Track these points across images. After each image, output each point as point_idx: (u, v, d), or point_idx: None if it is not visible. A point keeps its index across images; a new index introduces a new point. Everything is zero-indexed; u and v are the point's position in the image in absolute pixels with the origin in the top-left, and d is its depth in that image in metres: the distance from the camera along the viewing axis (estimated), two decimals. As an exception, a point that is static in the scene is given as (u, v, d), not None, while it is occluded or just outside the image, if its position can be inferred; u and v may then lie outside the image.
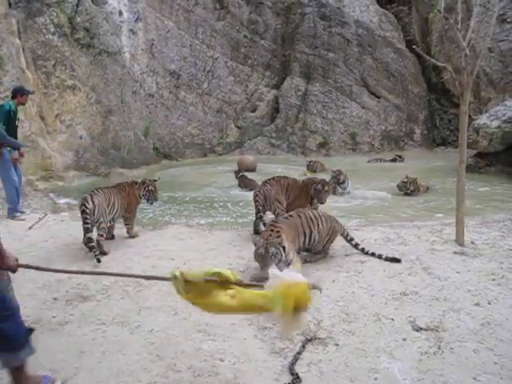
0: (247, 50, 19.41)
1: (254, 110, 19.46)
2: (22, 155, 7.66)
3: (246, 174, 12.39)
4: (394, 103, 19.22)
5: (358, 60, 19.15)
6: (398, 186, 10.10)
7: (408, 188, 9.93)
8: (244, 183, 11.46)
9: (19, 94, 7.56)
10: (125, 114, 15.50)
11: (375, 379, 2.95)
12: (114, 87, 15.23)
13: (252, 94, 19.50)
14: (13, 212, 7.28)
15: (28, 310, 3.81)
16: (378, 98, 19.19)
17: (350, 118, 18.88)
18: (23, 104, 7.82)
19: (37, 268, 2.89)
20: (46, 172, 11.55)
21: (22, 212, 7.49)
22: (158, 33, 17.32)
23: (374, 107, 19.07)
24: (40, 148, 11.82)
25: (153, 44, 17.19)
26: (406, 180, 9.99)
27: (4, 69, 11.64)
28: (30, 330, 2.79)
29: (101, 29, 14.97)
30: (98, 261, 5.01)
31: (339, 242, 5.35)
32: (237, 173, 12.57)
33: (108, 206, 5.67)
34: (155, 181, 6.36)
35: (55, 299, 4.17)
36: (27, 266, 2.76)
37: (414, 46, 7.48)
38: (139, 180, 6.40)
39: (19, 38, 12.68)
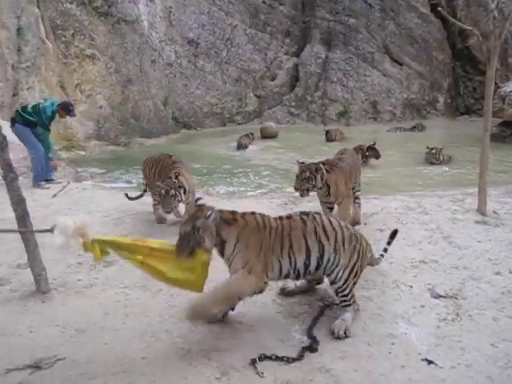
0: (266, 16, 19.00)
1: (273, 79, 19.20)
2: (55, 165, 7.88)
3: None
4: (416, 70, 18.70)
5: (380, 26, 18.60)
6: (426, 156, 9.89)
7: (438, 159, 9.73)
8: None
9: (66, 109, 7.59)
10: (144, 83, 15.49)
11: (392, 344, 2.99)
12: (133, 56, 15.17)
13: (271, 62, 19.20)
14: (37, 180, 7.43)
15: (54, 274, 3.94)
16: (401, 65, 18.69)
17: (372, 86, 18.49)
18: (61, 117, 7.82)
19: None
20: (68, 142, 11.72)
21: (50, 180, 7.64)
22: (175, 0, 17.05)
23: (396, 75, 18.60)
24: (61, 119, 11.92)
25: (170, 11, 16.97)
26: (434, 151, 9.77)
27: (24, 38, 11.68)
28: None
29: (118, -4, 14.81)
30: None
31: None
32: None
33: None
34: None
35: (80, 263, 4.29)
36: None
37: (439, 9, 7.23)
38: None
39: (38, 8, 12.65)
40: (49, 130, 7.47)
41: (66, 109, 7.61)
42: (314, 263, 3.13)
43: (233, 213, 3.16)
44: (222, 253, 3.10)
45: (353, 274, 3.17)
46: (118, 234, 4.87)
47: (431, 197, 6.27)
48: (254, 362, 2.78)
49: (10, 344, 3.03)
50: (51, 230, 3.04)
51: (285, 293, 3.62)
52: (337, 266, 3.13)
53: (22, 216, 3.59)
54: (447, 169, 9.49)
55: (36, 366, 2.78)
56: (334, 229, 3.17)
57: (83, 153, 12.16)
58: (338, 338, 3.02)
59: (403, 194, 6.63)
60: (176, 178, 4.99)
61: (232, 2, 18.46)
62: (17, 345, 3.02)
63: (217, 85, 18.31)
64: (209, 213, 2.99)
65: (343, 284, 3.15)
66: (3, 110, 9.91)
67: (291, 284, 3.66)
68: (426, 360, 2.82)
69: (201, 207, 3.09)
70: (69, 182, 7.72)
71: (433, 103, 18.85)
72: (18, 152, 8.19)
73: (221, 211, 3.11)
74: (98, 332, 3.15)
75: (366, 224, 5.22)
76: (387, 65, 18.64)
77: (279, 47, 19.34)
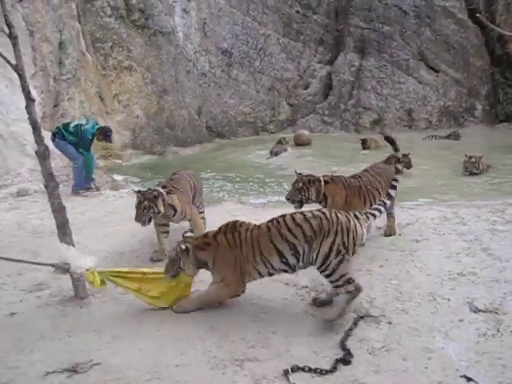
0: (299, 25, 19.04)
1: (306, 87, 19.18)
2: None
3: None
4: (453, 77, 18.26)
5: (415, 32, 18.28)
6: (464, 164, 9.58)
7: (478, 168, 9.41)
8: None
9: (104, 135, 7.90)
10: (179, 93, 15.77)
11: (429, 359, 2.91)
12: (169, 67, 15.50)
13: (304, 71, 19.19)
14: (77, 188, 7.65)
15: (92, 280, 4.04)
16: (437, 72, 18.29)
17: (407, 93, 18.16)
18: (98, 140, 8.04)
19: None
20: (105, 151, 12.03)
21: (89, 188, 7.85)
22: (210, 11, 17.34)
23: (432, 82, 18.22)
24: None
25: (205, 23, 17.26)
26: (473, 159, 9.45)
27: (66, 52, 12.14)
28: None
29: (155, 9, 15.20)
30: None
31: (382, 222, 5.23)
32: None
33: None
34: None
35: (116, 271, 4.38)
36: None
37: (477, 15, 7.06)
38: None
39: (79, 22, 13.13)
40: (88, 151, 7.75)
41: (105, 134, 7.92)
42: (292, 259, 3.40)
43: (206, 236, 3.65)
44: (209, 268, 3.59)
45: (333, 253, 3.31)
46: (154, 240, 4.95)
47: (469, 207, 6.09)
48: (286, 372, 2.76)
49: (49, 347, 3.13)
50: (53, 265, 3.60)
51: (317, 303, 3.64)
52: (313, 251, 3.35)
53: (62, 223, 3.70)
54: (486, 178, 9.20)
55: (73, 370, 2.86)
56: (298, 224, 3.38)
57: (120, 161, 12.47)
58: (329, 322, 3.29)
59: (440, 203, 6.48)
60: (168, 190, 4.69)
61: (265, 13, 18.61)
62: (55, 348, 3.11)
63: (250, 94, 18.44)
64: (183, 246, 3.54)
65: (322, 265, 3.35)
66: (45, 121, 10.28)
67: (323, 294, 3.71)
68: (465, 377, 2.72)
69: (179, 242, 3.60)
70: (105, 189, 7.92)
71: (470, 110, 18.33)
72: (58, 161, 8.50)
73: (196, 239, 3.66)
74: (133, 338, 3.21)
75: (400, 234, 5.12)
76: (423, 72, 18.29)
77: (312, 56, 19.31)
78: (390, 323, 3.31)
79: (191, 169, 5.75)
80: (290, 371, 2.77)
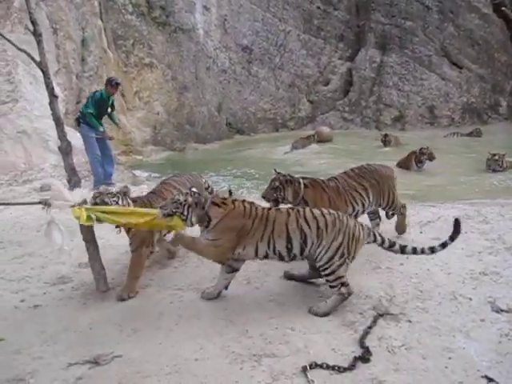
0: (320, 21, 18.91)
1: (326, 84, 19.06)
2: (109, 138, 8.42)
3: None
4: (477, 73, 17.90)
5: (438, 28, 17.98)
6: (488, 162, 9.43)
7: (501, 165, 9.26)
8: None
9: (109, 84, 8.15)
10: (199, 90, 15.85)
11: (449, 358, 2.87)
12: (189, 64, 15.58)
13: (325, 67, 19.07)
14: (97, 183, 7.78)
15: (113, 274, 4.12)
16: (460, 68, 17.96)
17: (429, 90, 17.89)
18: (112, 94, 8.25)
19: None
20: (127, 147, 12.19)
21: (110, 183, 7.96)
22: (230, 8, 17.35)
23: (455, 78, 17.90)
24: (121, 124, 12.44)
25: (225, 19, 17.28)
26: (497, 157, 9.30)
27: (88, 49, 12.31)
28: None
29: (176, 6, 15.29)
30: None
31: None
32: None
33: None
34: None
35: (137, 265, 4.44)
36: None
37: (503, 9, 6.89)
38: None
39: (101, 20, 13.29)
40: (94, 109, 7.87)
41: (109, 82, 8.17)
42: (297, 248, 3.47)
43: (225, 199, 3.67)
44: (206, 227, 3.55)
45: (338, 255, 3.42)
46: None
47: (492, 205, 5.98)
48: (304, 369, 2.76)
49: (71, 339, 3.19)
50: (41, 203, 3.62)
51: (286, 275, 4.00)
52: (319, 247, 3.44)
53: (84, 218, 3.75)
54: (510, 175, 9.00)
55: (95, 362, 2.91)
56: (315, 217, 3.50)
57: (140, 157, 12.61)
58: (314, 313, 3.40)
59: (462, 201, 6.37)
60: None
61: (286, 9, 18.53)
62: (77, 340, 3.17)
63: (270, 90, 18.42)
64: (203, 199, 3.55)
65: (325, 263, 3.43)
66: (68, 117, 10.46)
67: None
68: (487, 377, 2.68)
69: (192, 190, 3.65)
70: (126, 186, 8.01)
71: (494, 107, 17.95)
72: (80, 156, 8.64)
73: (215, 196, 3.81)
74: (152, 332, 3.25)
75: (421, 232, 5.06)
76: (446, 68, 17.98)
77: (333, 52, 19.17)
78: (410, 322, 3.28)
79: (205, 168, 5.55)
80: (308, 368, 2.77)
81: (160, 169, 11.26)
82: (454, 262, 4.21)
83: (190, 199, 3.52)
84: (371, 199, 4.72)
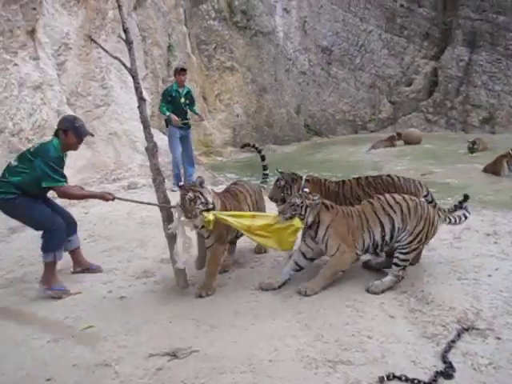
0: (403, 20, 18.25)
1: (409, 84, 18.35)
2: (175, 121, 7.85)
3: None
4: None
5: (536, 21, 16.61)
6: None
7: None
8: None
9: (175, 73, 8.11)
10: (278, 92, 15.98)
11: (547, 382, 2.63)
12: (268, 66, 15.76)
13: (408, 67, 18.37)
14: (175, 183, 7.91)
15: (193, 271, 4.25)
16: (561, 65, 16.46)
17: (523, 89, 16.59)
18: (181, 83, 7.97)
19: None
20: (207, 148, 12.59)
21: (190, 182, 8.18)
22: (310, 9, 17.30)
23: (554, 76, 16.43)
24: (202, 126, 12.88)
25: (305, 21, 17.26)
26: None
27: (173, 54, 12.89)
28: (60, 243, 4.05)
29: (256, 10, 15.54)
30: None
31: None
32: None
33: None
34: None
35: (215, 264, 4.57)
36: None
37: None
38: None
39: (186, 26, 13.86)
40: (165, 103, 7.87)
41: (174, 72, 8.19)
42: (388, 234, 3.75)
43: (329, 203, 3.94)
44: (315, 232, 3.82)
45: (417, 240, 3.71)
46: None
47: None
48: (381, 379, 2.66)
49: (152, 331, 3.35)
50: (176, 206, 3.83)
51: (365, 265, 4.19)
52: (404, 231, 3.71)
53: (167, 215, 3.93)
54: None
55: (173, 355, 3.02)
56: (397, 202, 3.77)
57: (220, 158, 12.96)
58: (373, 292, 3.68)
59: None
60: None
61: (367, 8, 18.11)
62: (158, 333, 3.32)
63: (350, 92, 18.10)
64: (316, 198, 3.80)
65: (405, 245, 3.71)
66: (153, 120, 11.02)
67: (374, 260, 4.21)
68: None
69: (311, 193, 3.87)
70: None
71: None
72: (164, 157, 9.06)
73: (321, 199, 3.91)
74: (228, 329, 3.31)
75: (514, 243, 4.68)
76: (543, 65, 16.58)
77: (416, 51, 18.41)
78: (499, 338, 3.05)
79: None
80: (385, 379, 2.67)
81: (239, 170, 11.49)
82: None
83: (306, 201, 3.77)
84: None
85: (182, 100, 8.02)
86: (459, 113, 17.29)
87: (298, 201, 3.77)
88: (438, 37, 18.43)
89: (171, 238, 3.91)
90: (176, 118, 7.79)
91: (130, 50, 3.81)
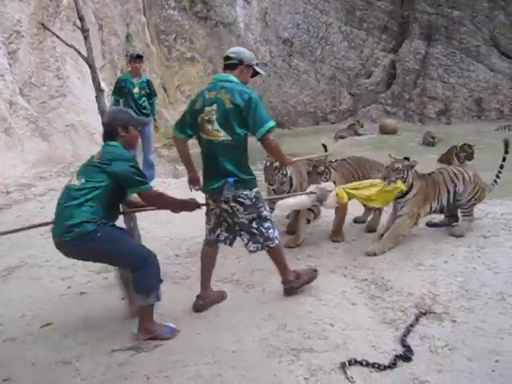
0: (362, 13, 18.52)
1: (368, 77, 18.68)
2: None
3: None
4: (529, 64, 17.06)
5: (487, 17, 17.21)
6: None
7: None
8: None
9: (129, 60, 7.16)
10: (239, 83, 15.91)
11: (496, 361, 2.76)
12: (229, 57, 15.65)
13: (367, 60, 18.69)
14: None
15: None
16: (510, 58, 17.15)
17: (476, 82, 17.20)
18: (135, 71, 7.09)
19: None
20: (168, 140, 12.39)
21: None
22: (271, 1, 17.29)
23: (506, 70, 17.10)
24: (163, 118, 12.68)
25: (266, 12, 17.23)
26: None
27: (132, 44, 12.58)
28: (159, 281, 3.11)
29: (217, 1, 15.39)
30: None
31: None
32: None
33: None
34: None
35: (177, 256, 4.53)
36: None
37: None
38: None
39: (144, 15, 13.55)
40: (116, 96, 7.16)
41: (126, 59, 7.33)
42: (452, 197, 4.67)
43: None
44: (404, 194, 4.44)
45: (474, 198, 4.72)
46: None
47: (545, 203, 5.70)
48: (343, 365, 2.72)
49: (114, 326, 3.29)
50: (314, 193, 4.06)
51: (431, 224, 5.01)
52: (465, 193, 4.66)
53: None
54: None
55: (136, 349, 2.98)
56: (460, 171, 4.76)
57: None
58: (459, 235, 4.62)
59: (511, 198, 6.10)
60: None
61: (328, 0, 18.27)
62: (121, 328, 3.25)
63: (310, 84, 18.25)
64: (414, 162, 4.48)
65: (466, 202, 4.71)
66: (112, 111, 10.75)
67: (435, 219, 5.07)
68: (536, 382, 2.57)
69: (411, 161, 4.48)
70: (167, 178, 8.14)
71: (548, 99, 17.08)
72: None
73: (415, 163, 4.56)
74: (193, 322, 3.30)
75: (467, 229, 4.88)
76: (495, 59, 17.22)
77: (375, 44, 18.75)
78: (455, 321, 3.18)
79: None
80: (347, 364, 2.73)
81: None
82: (503, 260, 4.04)
83: (406, 163, 4.40)
84: None
85: (136, 91, 7.03)
86: (416, 105, 17.77)
87: (400, 165, 4.35)
88: (395, 30, 18.83)
89: (132, 232, 3.83)
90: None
91: (86, 38, 3.68)
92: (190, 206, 3.36)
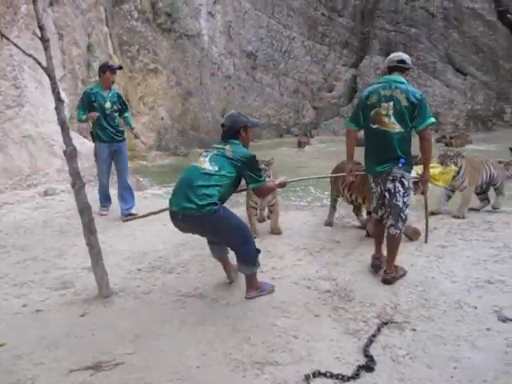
0: (324, 28, 18.99)
1: (330, 90, 19.10)
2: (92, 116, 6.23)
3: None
4: (482, 80, 17.91)
5: (442, 35, 18.04)
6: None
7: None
8: None
9: (103, 71, 6.29)
10: (203, 95, 15.91)
11: (454, 368, 2.83)
12: (193, 70, 15.65)
13: (329, 74, 19.12)
14: (102, 202, 6.83)
15: (115, 279, 4.09)
16: (465, 75, 17.98)
17: (433, 97, 17.89)
18: (108, 84, 6.32)
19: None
20: (131, 152, 12.19)
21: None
22: (235, 14, 17.44)
23: (460, 85, 17.91)
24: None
25: (230, 26, 17.37)
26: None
27: (94, 55, 12.38)
28: (258, 251, 3.70)
29: (181, 13, 15.39)
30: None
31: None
32: None
33: None
34: None
35: (139, 270, 4.43)
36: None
37: (508, 16, 6.89)
38: None
39: (107, 26, 13.38)
40: (82, 110, 6.29)
41: (99, 71, 6.42)
42: (486, 180, 5.95)
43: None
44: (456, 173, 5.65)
45: (499, 182, 6.06)
46: (176, 241, 4.99)
47: (498, 213, 5.94)
48: (307, 377, 2.72)
49: (72, 345, 3.17)
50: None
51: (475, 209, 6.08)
52: (496, 176, 5.99)
53: (88, 222, 3.76)
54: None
55: (96, 368, 2.88)
56: (491, 162, 6.03)
57: (144, 162, 12.63)
58: (497, 208, 6.10)
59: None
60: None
61: (290, 15, 18.61)
62: (79, 346, 3.15)
63: (274, 97, 18.46)
64: (462, 151, 5.82)
65: (496, 184, 6.06)
66: (72, 122, 10.49)
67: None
68: (493, 387, 2.65)
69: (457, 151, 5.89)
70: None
71: (499, 114, 17.94)
72: (84, 161, 8.64)
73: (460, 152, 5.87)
74: (155, 338, 3.22)
75: (426, 242, 5.01)
76: (450, 75, 18.01)
77: (337, 59, 19.23)
78: (415, 330, 3.24)
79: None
80: (311, 376, 2.73)
81: (164, 174, 11.27)
82: (459, 269, 4.17)
83: (456, 151, 5.85)
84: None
85: (108, 105, 6.29)
86: (376, 118, 18.26)
87: (452, 153, 5.66)
88: (356, 45, 19.39)
89: (92, 246, 3.74)
90: (94, 114, 6.13)
91: (47, 48, 3.59)
92: (283, 185, 4.19)
